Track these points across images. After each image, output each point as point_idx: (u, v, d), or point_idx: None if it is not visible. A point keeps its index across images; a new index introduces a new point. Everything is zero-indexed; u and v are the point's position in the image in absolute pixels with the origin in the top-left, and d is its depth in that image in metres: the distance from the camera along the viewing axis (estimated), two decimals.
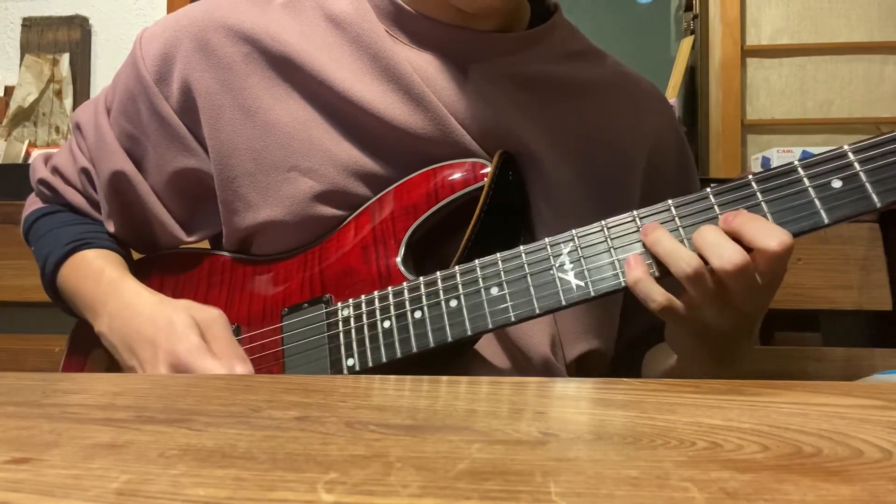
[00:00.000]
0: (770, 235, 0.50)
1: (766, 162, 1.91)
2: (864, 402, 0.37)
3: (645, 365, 0.74)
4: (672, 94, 2.22)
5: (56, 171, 0.78)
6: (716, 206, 0.53)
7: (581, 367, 0.69)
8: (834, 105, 2.16)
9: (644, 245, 0.54)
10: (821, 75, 2.18)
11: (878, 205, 0.50)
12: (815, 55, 2.18)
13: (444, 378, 0.47)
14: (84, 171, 0.76)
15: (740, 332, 0.55)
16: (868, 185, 0.50)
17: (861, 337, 1.18)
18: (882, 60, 2.14)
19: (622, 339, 0.74)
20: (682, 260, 0.51)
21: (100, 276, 0.70)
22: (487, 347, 0.66)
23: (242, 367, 0.60)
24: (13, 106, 2.26)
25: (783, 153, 1.86)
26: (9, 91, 2.29)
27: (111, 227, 0.75)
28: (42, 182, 0.79)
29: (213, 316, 0.63)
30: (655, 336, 0.71)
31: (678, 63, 2.45)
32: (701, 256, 0.51)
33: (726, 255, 0.50)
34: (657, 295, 0.53)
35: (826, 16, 2.18)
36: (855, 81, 2.15)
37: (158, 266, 0.76)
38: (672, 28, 3.45)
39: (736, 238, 0.51)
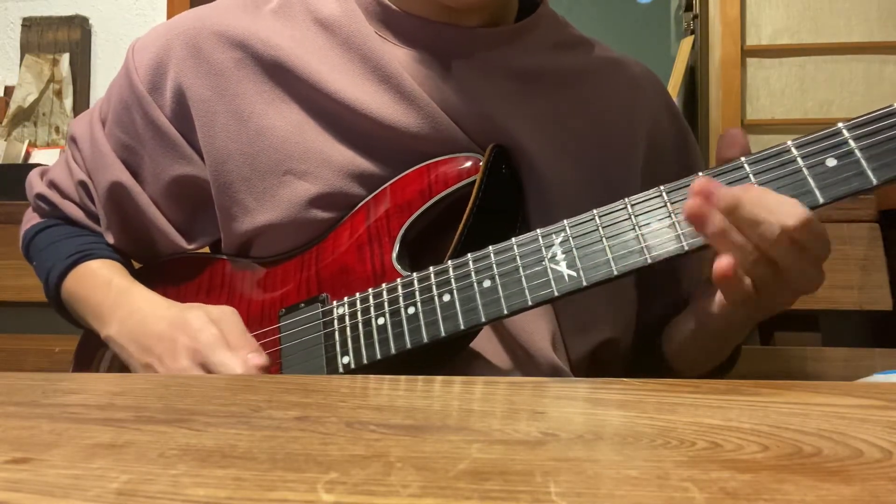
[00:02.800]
0: (789, 214, 0.48)
1: None
2: (864, 402, 0.37)
3: (665, 341, 0.71)
4: (672, 94, 2.22)
5: (53, 185, 0.78)
6: None
7: (597, 359, 0.69)
8: (834, 105, 2.16)
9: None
10: (821, 75, 2.18)
11: (875, 182, 0.49)
12: (815, 55, 2.18)
13: (444, 378, 0.47)
14: (81, 184, 0.76)
15: (786, 306, 0.54)
16: (864, 162, 0.49)
17: (861, 337, 1.18)
18: (882, 60, 2.14)
19: (640, 324, 0.73)
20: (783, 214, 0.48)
21: (108, 284, 0.71)
22: (489, 347, 0.66)
23: (258, 358, 0.61)
24: (13, 106, 2.26)
25: None
26: (9, 91, 2.29)
27: (111, 239, 0.75)
28: (39, 197, 0.79)
29: (225, 312, 0.65)
30: (669, 316, 0.70)
31: (678, 63, 2.45)
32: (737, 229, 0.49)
33: (763, 231, 0.48)
34: (745, 282, 0.51)
35: (826, 16, 2.18)
36: (855, 81, 2.15)
37: (159, 273, 0.76)
38: (672, 28, 3.45)
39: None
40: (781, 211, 0.48)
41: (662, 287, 0.73)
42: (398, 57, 0.67)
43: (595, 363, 0.69)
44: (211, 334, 0.61)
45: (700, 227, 0.50)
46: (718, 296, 0.56)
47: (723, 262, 0.50)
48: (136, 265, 0.79)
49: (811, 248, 0.50)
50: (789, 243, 0.49)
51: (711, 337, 0.62)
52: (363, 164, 0.66)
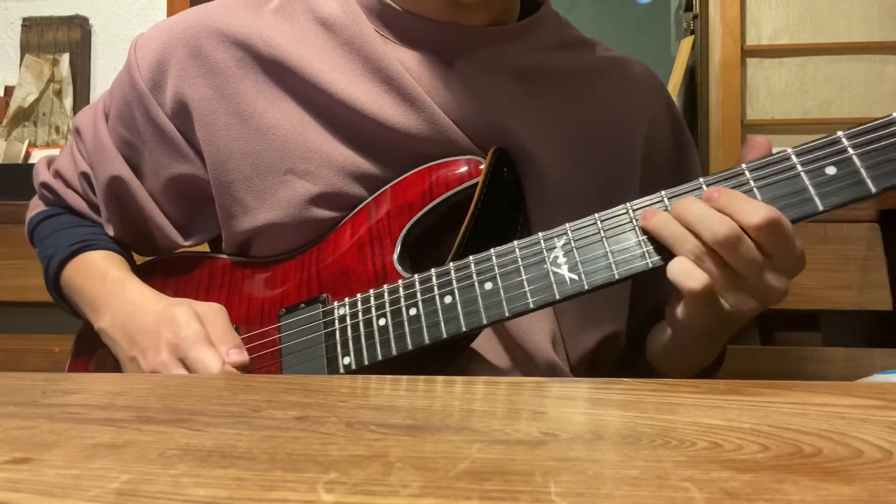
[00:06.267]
0: (752, 213, 0.50)
1: None
2: (864, 402, 0.37)
3: (648, 346, 0.71)
4: (672, 94, 2.22)
5: (58, 174, 0.80)
6: None
7: (600, 356, 0.69)
8: (834, 105, 2.15)
9: (645, 231, 0.54)
10: (821, 75, 2.18)
11: (874, 190, 0.50)
12: (815, 55, 2.18)
13: (444, 378, 0.47)
14: (84, 175, 0.77)
15: (749, 315, 0.54)
16: (863, 171, 0.50)
17: (861, 337, 1.18)
18: (882, 60, 2.14)
19: (630, 326, 0.73)
20: (714, 224, 0.50)
21: (105, 275, 0.71)
22: (489, 347, 0.66)
23: (237, 355, 0.61)
24: (13, 106, 2.26)
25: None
26: (9, 91, 2.29)
27: (111, 231, 0.76)
28: (44, 185, 0.80)
29: (212, 308, 0.65)
30: (653, 319, 0.70)
31: (678, 63, 2.45)
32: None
33: (715, 228, 0.50)
34: (699, 274, 0.51)
35: (826, 16, 2.18)
36: (855, 81, 2.15)
37: (160, 270, 0.77)
38: (672, 28, 3.45)
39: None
40: (743, 209, 0.50)
41: (645, 294, 0.73)
42: (400, 57, 0.67)
43: (595, 360, 0.69)
44: (193, 330, 0.62)
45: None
46: (683, 304, 0.55)
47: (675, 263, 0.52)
48: (139, 259, 0.80)
49: (775, 255, 0.51)
50: (746, 242, 0.50)
51: (689, 342, 0.61)
52: (363, 164, 0.66)
